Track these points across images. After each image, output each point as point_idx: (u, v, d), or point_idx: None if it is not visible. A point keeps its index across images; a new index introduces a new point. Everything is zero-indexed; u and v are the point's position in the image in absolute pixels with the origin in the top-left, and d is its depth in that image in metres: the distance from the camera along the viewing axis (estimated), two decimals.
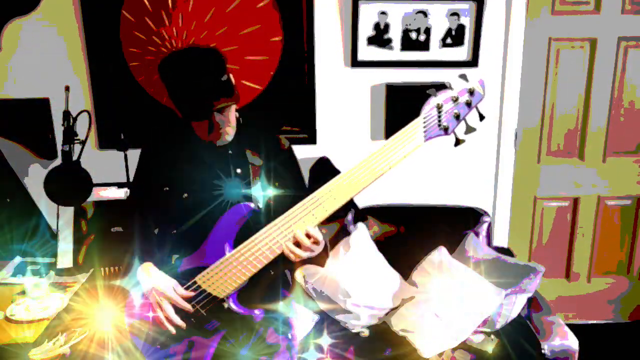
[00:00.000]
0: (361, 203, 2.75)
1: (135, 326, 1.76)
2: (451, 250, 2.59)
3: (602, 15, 2.75)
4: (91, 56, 2.62)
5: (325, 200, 1.57)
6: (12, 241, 2.56)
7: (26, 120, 2.63)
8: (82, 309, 2.16)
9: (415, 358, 2.22)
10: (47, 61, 2.62)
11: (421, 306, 2.39)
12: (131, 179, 2.31)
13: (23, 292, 2.20)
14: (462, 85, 1.54)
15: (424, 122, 1.55)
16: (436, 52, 2.69)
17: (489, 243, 2.74)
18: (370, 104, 2.76)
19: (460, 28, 2.66)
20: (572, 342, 2.24)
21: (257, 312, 1.69)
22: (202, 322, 1.70)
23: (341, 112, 2.77)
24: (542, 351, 2.22)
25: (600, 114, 2.89)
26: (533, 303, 2.45)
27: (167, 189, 1.74)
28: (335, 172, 2.59)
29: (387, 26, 2.65)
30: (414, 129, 1.55)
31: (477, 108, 1.57)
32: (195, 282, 1.67)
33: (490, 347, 2.25)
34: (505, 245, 2.97)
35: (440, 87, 1.55)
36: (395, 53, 2.69)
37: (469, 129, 1.58)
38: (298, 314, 2.03)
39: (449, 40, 2.68)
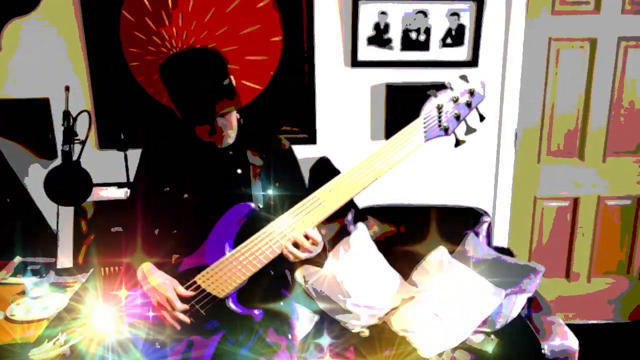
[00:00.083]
0: (361, 203, 2.75)
1: (135, 326, 1.76)
2: (451, 250, 2.59)
3: (602, 15, 2.75)
4: (91, 56, 2.62)
5: (325, 200, 1.57)
6: (12, 241, 2.56)
7: (26, 120, 2.63)
8: (82, 309, 2.15)
9: (415, 358, 2.22)
10: (47, 61, 2.62)
11: (421, 306, 2.39)
12: (131, 179, 2.31)
13: (23, 292, 2.20)
14: (463, 86, 1.54)
15: (424, 123, 1.55)
16: (436, 52, 2.69)
17: (489, 243, 2.74)
18: (370, 104, 2.76)
19: (460, 28, 2.66)
20: (572, 342, 2.24)
21: (256, 312, 1.70)
22: (202, 322, 1.70)
23: (341, 112, 2.77)
24: (542, 351, 2.22)
25: (600, 114, 2.89)
26: (533, 303, 2.45)
27: (168, 189, 1.75)
28: (335, 172, 2.59)
29: (387, 26, 2.65)
30: (414, 129, 1.55)
31: (477, 109, 1.57)
32: (195, 282, 1.68)
33: (490, 347, 2.26)
34: (505, 245, 2.97)
35: (440, 87, 1.55)
36: (395, 53, 2.69)
37: (469, 130, 1.58)
38: (298, 314, 2.03)
39: (449, 40, 2.68)
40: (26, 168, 2.71)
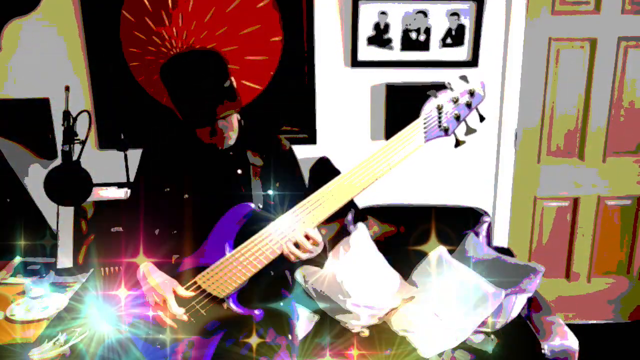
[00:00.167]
0: (361, 203, 2.76)
1: (135, 326, 1.76)
2: (451, 250, 2.59)
3: (602, 15, 2.74)
4: (91, 56, 2.62)
5: (326, 200, 1.57)
6: (12, 241, 2.56)
7: (26, 120, 2.63)
8: (82, 309, 2.15)
9: (415, 358, 2.22)
10: (47, 61, 2.62)
11: (421, 306, 2.39)
12: (131, 179, 2.32)
13: (23, 292, 2.20)
14: (463, 86, 1.54)
15: (425, 123, 1.55)
16: (436, 52, 2.69)
17: (489, 243, 2.74)
18: (370, 104, 2.76)
19: (460, 28, 2.66)
20: (572, 342, 2.24)
21: (257, 312, 1.69)
22: (202, 322, 1.70)
23: (341, 112, 2.77)
24: (542, 351, 2.21)
25: (600, 114, 2.89)
26: (533, 303, 2.45)
27: (168, 189, 1.75)
28: (335, 172, 2.59)
29: (387, 26, 2.65)
30: (415, 130, 1.55)
31: (477, 109, 1.57)
32: (195, 282, 1.68)
33: (490, 347, 2.25)
34: (505, 245, 2.97)
35: (440, 87, 1.55)
36: (395, 53, 2.69)
37: (469, 130, 1.58)
38: (298, 314, 2.03)
39: (449, 40, 2.68)
40: (26, 168, 2.71)
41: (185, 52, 1.72)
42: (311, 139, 2.77)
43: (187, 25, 2.57)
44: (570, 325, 2.33)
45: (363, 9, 2.61)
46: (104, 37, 2.59)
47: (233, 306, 1.68)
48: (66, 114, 2.22)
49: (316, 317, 2.46)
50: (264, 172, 1.75)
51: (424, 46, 2.68)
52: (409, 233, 2.69)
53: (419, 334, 2.29)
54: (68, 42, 2.62)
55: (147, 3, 2.55)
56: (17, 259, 2.53)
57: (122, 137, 2.50)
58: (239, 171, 1.74)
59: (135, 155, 1.99)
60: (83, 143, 2.23)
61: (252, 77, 2.66)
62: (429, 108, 1.54)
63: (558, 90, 2.85)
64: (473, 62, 2.70)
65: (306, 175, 2.18)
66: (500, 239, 2.97)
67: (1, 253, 2.55)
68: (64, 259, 2.43)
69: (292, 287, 1.98)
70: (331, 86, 2.73)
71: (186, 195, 1.73)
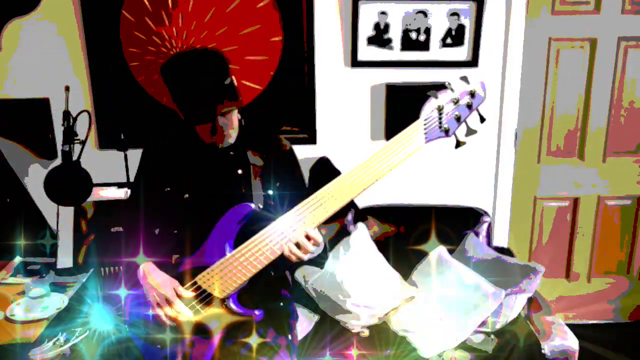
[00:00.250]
0: (361, 203, 2.76)
1: (135, 326, 1.76)
2: (451, 250, 2.59)
3: (602, 15, 2.74)
4: (91, 56, 2.62)
5: (326, 201, 1.57)
6: (12, 241, 2.56)
7: (26, 120, 2.63)
8: (82, 308, 2.16)
9: (415, 358, 2.22)
10: (47, 61, 2.62)
11: (421, 306, 2.39)
12: (131, 179, 2.32)
13: (23, 292, 2.20)
14: (463, 87, 1.54)
15: (425, 124, 1.55)
16: (436, 52, 2.69)
17: (489, 243, 2.74)
18: (370, 104, 2.76)
19: (460, 28, 2.66)
20: (572, 342, 2.24)
21: (257, 312, 1.70)
22: (202, 322, 1.70)
23: (341, 112, 2.77)
24: (542, 351, 2.22)
25: (600, 114, 2.89)
26: (533, 303, 2.45)
27: (168, 189, 1.75)
28: (335, 172, 2.59)
29: (387, 26, 2.65)
30: (415, 130, 1.55)
31: (477, 110, 1.57)
32: (195, 282, 1.68)
33: (490, 347, 2.25)
34: (505, 245, 2.97)
35: (441, 87, 1.55)
36: (395, 53, 2.69)
37: (470, 131, 1.58)
38: (298, 314, 2.03)
39: (449, 40, 2.68)
40: (26, 168, 2.71)
41: (185, 51, 1.72)
42: (311, 139, 2.77)
43: (187, 25, 2.57)
44: (570, 325, 2.34)
45: (363, 9, 2.61)
46: (104, 37, 2.59)
47: (233, 306, 1.68)
48: (66, 114, 2.22)
49: (316, 317, 2.46)
50: (264, 172, 1.75)
51: (424, 46, 2.68)
52: (409, 233, 2.69)
53: (419, 334, 2.29)
54: (68, 42, 2.61)
55: (147, 3, 2.55)
56: (17, 259, 2.53)
57: (122, 137, 2.50)
58: (240, 171, 1.74)
59: (135, 155, 1.99)
60: (83, 143, 2.23)
61: (252, 77, 2.66)
62: (429, 109, 1.54)
63: (558, 90, 2.85)
64: (473, 62, 2.70)
65: (306, 175, 2.18)
66: (500, 239, 2.97)
67: (1, 253, 2.55)
68: (64, 259, 2.43)
69: (292, 287, 1.98)
70: (331, 86, 2.73)
71: (186, 195, 1.73)
